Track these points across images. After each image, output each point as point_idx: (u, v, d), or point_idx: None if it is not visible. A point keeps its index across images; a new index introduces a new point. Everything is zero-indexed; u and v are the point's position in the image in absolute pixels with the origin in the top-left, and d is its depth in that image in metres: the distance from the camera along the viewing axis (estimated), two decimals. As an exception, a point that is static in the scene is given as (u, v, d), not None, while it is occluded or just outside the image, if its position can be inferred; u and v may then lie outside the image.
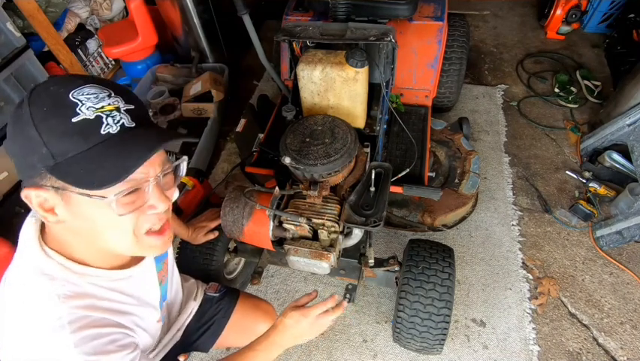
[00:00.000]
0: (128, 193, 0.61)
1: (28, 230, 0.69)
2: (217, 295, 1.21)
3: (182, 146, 2.15)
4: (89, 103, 0.57)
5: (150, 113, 2.27)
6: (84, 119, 0.56)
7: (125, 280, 0.76)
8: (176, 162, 0.72)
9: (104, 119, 0.57)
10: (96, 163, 0.56)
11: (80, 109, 0.56)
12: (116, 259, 0.75)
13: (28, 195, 0.60)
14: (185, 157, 0.73)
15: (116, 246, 0.67)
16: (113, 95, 0.60)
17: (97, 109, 0.57)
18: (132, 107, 0.62)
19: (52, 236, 0.68)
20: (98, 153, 0.56)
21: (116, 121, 0.58)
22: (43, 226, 0.70)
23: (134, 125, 0.60)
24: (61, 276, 0.66)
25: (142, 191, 0.64)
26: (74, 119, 0.55)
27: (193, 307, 1.16)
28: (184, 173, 0.74)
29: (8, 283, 0.67)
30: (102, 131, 0.57)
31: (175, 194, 0.73)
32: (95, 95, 0.58)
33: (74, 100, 0.56)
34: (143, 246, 0.69)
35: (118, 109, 0.59)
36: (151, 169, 0.64)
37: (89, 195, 0.58)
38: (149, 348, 0.89)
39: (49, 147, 0.55)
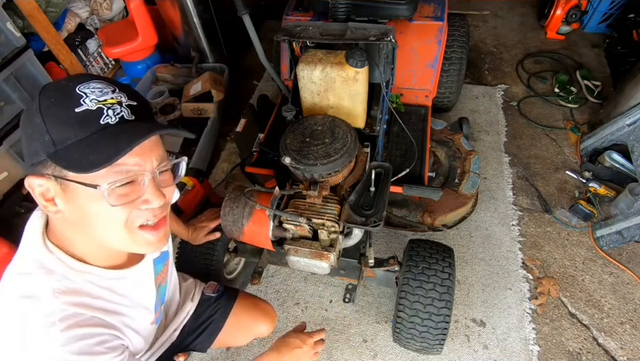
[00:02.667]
0: (123, 185, 0.62)
1: (33, 223, 0.71)
2: (215, 294, 1.20)
3: (182, 145, 2.15)
4: (92, 96, 0.60)
5: (150, 113, 2.27)
6: (86, 110, 0.59)
7: (120, 280, 0.76)
8: (175, 160, 0.73)
9: (104, 111, 0.60)
10: (90, 148, 0.58)
11: (83, 100, 0.59)
12: (114, 257, 0.76)
13: (31, 183, 0.62)
14: (185, 157, 0.74)
15: (110, 240, 0.68)
16: (117, 90, 0.63)
17: (99, 101, 0.60)
18: (134, 103, 0.64)
19: (54, 231, 0.69)
20: (94, 140, 0.59)
21: (115, 113, 0.61)
22: (48, 221, 0.71)
23: (133, 118, 0.63)
24: (58, 271, 0.67)
25: (137, 184, 0.65)
26: (77, 110, 0.59)
27: (190, 307, 1.16)
28: (183, 173, 0.75)
29: (9, 273, 0.68)
30: (101, 121, 0.59)
31: (175, 195, 0.73)
32: (99, 90, 0.61)
33: (80, 93, 0.60)
34: (138, 241, 0.69)
35: (120, 103, 0.62)
36: (147, 163, 0.65)
37: (83, 184, 0.59)
38: (142, 350, 0.89)
39: (51, 134, 0.58)
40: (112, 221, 0.64)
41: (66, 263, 0.68)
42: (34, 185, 0.61)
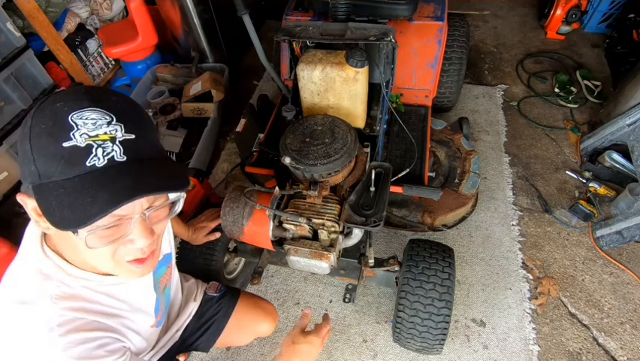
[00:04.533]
0: (107, 228, 0.59)
1: (32, 229, 0.70)
2: (217, 294, 1.21)
3: (182, 145, 2.15)
4: (84, 129, 0.55)
5: (150, 113, 2.27)
6: (74, 146, 0.55)
7: (118, 286, 0.76)
8: (172, 200, 0.68)
9: (93, 150, 0.55)
10: (69, 198, 0.54)
11: (73, 134, 0.55)
12: None
13: (22, 199, 0.60)
14: (183, 195, 0.69)
15: (95, 265, 0.66)
16: (114, 121, 0.58)
17: (90, 137, 0.55)
18: (132, 137, 0.59)
19: (52, 238, 0.69)
20: (75, 187, 0.54)
21: (105, 153, 0.56)
22: None
23: (124, 159, 0.57)
24: (56, 276, 0.67)
25: (122, 225, 0.61)
26: (65, 144, 0.54)
27: (193, 308, 1.16)
28: (179, 209, 0.70)
29: (8, 277, 0.68)
30: (87, 163, 0.55)
31: (178, 206, 0.69)
32: (93, 122, 0.56)
33: (72, 123, 0.55)
34: (122, 271, 0.67)
35: (113, 139, 0.57)
36: (137, 205, 0.60)
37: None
38: (144, 350, 0.89)
39: (37, 165, 0.55)
40: (97, 255, 0.62)
41: (63, 269, 0.67)
42: (26, 201, 0.60)
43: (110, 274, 0.74)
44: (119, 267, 0.66)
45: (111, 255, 0.63)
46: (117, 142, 0.57)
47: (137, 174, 0.58)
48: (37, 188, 0.56)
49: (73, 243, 0.62)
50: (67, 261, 0.68)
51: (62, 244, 0.67)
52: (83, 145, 0.55)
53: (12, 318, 0.63)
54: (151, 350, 0.99)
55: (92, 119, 0.56)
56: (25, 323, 0.63)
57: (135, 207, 0.60)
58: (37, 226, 0.70)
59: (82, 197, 0.54)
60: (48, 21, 2.19)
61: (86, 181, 0.55)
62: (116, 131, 0.57)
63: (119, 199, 0.54)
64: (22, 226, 0.71)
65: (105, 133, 0.56)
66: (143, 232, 0.62)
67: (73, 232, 0.56)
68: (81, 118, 0.56)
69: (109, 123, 0.57)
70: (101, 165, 0.55)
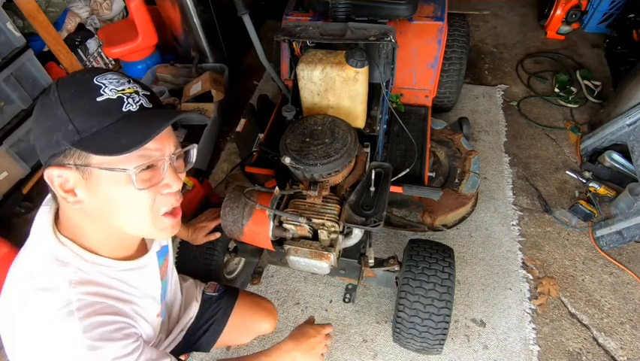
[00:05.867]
0: (146, 169, 0.66)
1: (42, 219, 0.72)
2: (216, 294, 1.21)
3: (182, 143, 2.15)
4: (111, 86, 0.63)
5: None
6: (107, 99, 0.61)
7: (130, 271, 0.78)
8: (187, 148, 0.77)
9: (125, 99, 0.63)
10: (119, 133, 0.61)
11: (103, 90, 0.62)
12: (124, 249, 0.78)
13: (50, 174, 0.63)
14: (195, 145, 0.78)
15: (132, 224, 0.70)
16: (132, 81, 0.66)
17: (119, 91, 0.63)
18: (149, 93, 0.68)
19: (66, 225, 0.71)
20: (121, 126, 0.61)
21: (135, 101, 0.64)
22: (56, 216, 0.72)
23: (151, 106, 0.66)
24: (73, 263, 0.68)
25: (157, 169, 0.68)
26: (99, 99, 0.61)
27: (196, 308, 1.17)
28: (194, 160, 0.79)
29: (20, 268, 0.69)
30: (124, 109, 0.62)
31: (192, 157, 0.79)
32: (117, 80, 0.64)
33: (98, 83, 0.62)
34: (158, 226, 0.73)
35: (137, 92, 0.65)
36: (166, 148, 0.68)
37: (111, 169, 0.62)
38: (151, 340, 0.91)
39: (74, 123, 0.60)
40: (138, 205, 0.67)
41: (80, 255, 0.69)
42: (54, 176, 0.62)
43: (124, 259, 0.77)
44: (156, 222, 0.71)
45: (150, 206, 0.69)
46: (141, 94, 0.66)
47: (167, 112, 0.68)
48: (79, 143, 0.60)
49: (107, 208, 0.66)
50: (82, 247, 0.70)
51: (86, 221, 0.69)
52: (114, 97, 0.62)
53: (32, 305, 0.64)
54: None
55: (114, 78, 0.64)
56: (45, 308, 0.64)
57: (165, 149, 0.68)
58: (50, 211, 0.72)
59: (132, 128, 0.62)
60: (48, 21, 2.19)
61: (128, 121, 0.62)
62: (137, 87, 0.66)
63: (167, 120, 0.64)
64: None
65: (129, 88, 0.64)
66: (173, 174, 0.71)
67: (124, 170, 0.62)
68: (105, 79, 0.63)
69: (129, 82, 0.65)
70: (136, 109, 0.63)
